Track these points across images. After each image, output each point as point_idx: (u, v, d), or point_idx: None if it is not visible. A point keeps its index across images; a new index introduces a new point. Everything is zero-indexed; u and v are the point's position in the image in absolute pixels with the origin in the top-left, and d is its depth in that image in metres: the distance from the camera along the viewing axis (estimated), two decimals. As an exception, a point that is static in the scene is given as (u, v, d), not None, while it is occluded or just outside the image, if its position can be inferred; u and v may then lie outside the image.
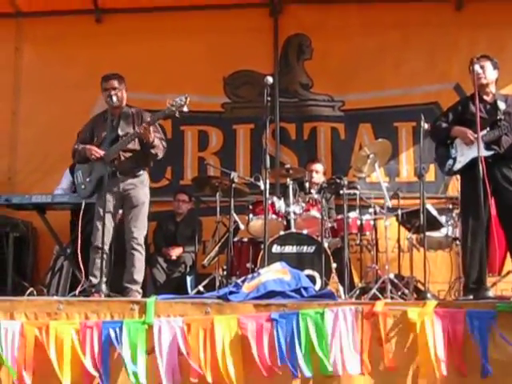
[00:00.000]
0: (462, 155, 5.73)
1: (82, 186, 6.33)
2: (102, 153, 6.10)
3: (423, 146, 6.05)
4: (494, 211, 5.66)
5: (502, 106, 5.71)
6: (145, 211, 6.24)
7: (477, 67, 5.58)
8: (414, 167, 8.33)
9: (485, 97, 5.74)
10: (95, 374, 4.56)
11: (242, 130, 8.78)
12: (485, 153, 5.51)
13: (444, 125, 5.88)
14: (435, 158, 6.11)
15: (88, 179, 6.27)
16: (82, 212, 6.24)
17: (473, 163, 5.50)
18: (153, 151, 6.21)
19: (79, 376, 4.61)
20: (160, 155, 6.30)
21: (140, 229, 6.18)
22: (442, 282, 7.08)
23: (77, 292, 5.83)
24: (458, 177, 6.42)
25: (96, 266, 5.97)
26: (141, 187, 6.25)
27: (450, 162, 5.82)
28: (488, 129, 5.64)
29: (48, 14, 8.80)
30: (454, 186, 7.46)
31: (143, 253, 6.19)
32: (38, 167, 8.62)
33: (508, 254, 6.18)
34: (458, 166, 5.77)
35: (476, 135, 5.51)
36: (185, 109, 5.95)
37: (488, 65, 5.75)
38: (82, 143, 6.33)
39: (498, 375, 4.44)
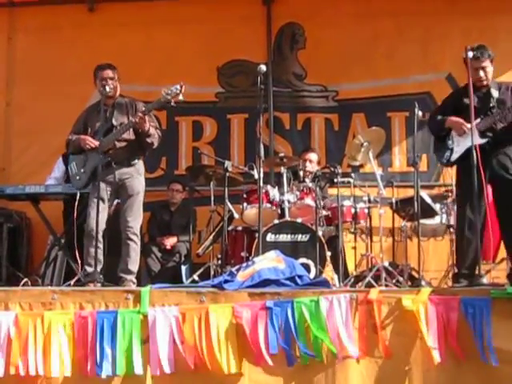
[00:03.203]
0: (458, 145, 5.75)
1: (77, 177, 6.31)
2: (96, 143, 6.09)
3: (417, 135, 6.06)
4: (490, 198, 5.67)
5: (495, 94, 5.73)
6: (140, 201, 6.23)
7: (481, 73, 5.66)
8: (407, 157, 8.35)
9: (479, 86, 5.74)
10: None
11: (236, 119, 8.77)
12: (479, 140, 5.53)
13: (439, 117, 5.90)
14: (433, 149, 6.15)
15: (82, 170, 6.26)
16: (76, 204, 6.26)
17: (469, 152, 5.53)
18: (148, 140, 6.21)
19: (74, 366, 4.62)
20: (156, 144, 6.31)
21: (135, 218, 6.18)
22: (435, 270, 7.09)
23: (72, 282, 5.83)
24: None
25: (90, 255, 5.97)
26: (136, 176, 6.24)
27: (448, 152, 5.83)
28: (482, 117, 5.65)
29: (40, 3, 8.80)
30: (448, 175, 7.46)
31: (138, 243, 6.19)
32: (33, 158, 8.60)
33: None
34: (455, 157, 5.79)
35: (468, 126, 5.55)
36: (180, 97, 5.95)
37: (489, 64, 5.74)
38: (76, 134, 6.32)
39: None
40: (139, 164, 6.33)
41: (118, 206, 6.35)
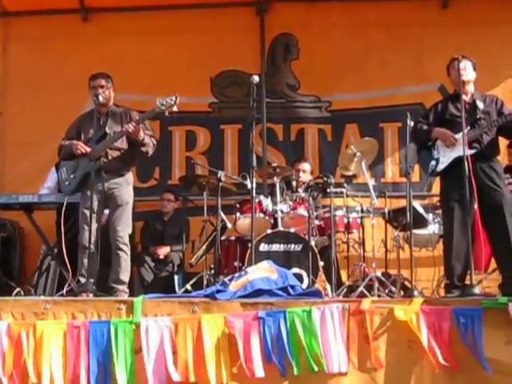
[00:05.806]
0: (445, 156, 5.79)
1: (66, 183, 6.31)
2: (87, 149, 6.09)
3: (409, 145, 6.08)
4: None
5: (480, 105, 5.78)
6: (129, 210, 6.23)
7: (461, 64, 5.69)
8: (400, 167, 8.39)
9: (463, 96, 5.75)
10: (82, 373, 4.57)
11: (229, 129, 8.79)
12: (467, 151, 5.54)
13: (424, 127, 5.92)
14: (417, 160, 6.18)
15: (72, 176, 6.26)
16: (63, 209, 6.17)
17: (455, 163, 5.59)
18: (143, 149, 6.24)
19: (66, 375, 4.61)
20: (150, 152, 6.33)
21: (124, 228, 6.17)
22: (427, 280, 7.10)
23: (64, 292, 5.81)
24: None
25: (84, 266, 5.96)
26: (125, 186, 6.24)
27: (433, 163, 5.86)
28: (468, 128, 5.67)
29: (34, 13, 8.78)
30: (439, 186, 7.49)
31: (128, 252, 6.18)
32: (27, 168, 8.59)
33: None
34: (441, 167, 5.82)
35: (456, 137, 5.63)
36: (175, 108, 5.97)
37: (468, 64, 5.82)
38: (69, 140, 6.31)
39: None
40: (129, 174, 6.34)
41: (109, 216, 6.33)
